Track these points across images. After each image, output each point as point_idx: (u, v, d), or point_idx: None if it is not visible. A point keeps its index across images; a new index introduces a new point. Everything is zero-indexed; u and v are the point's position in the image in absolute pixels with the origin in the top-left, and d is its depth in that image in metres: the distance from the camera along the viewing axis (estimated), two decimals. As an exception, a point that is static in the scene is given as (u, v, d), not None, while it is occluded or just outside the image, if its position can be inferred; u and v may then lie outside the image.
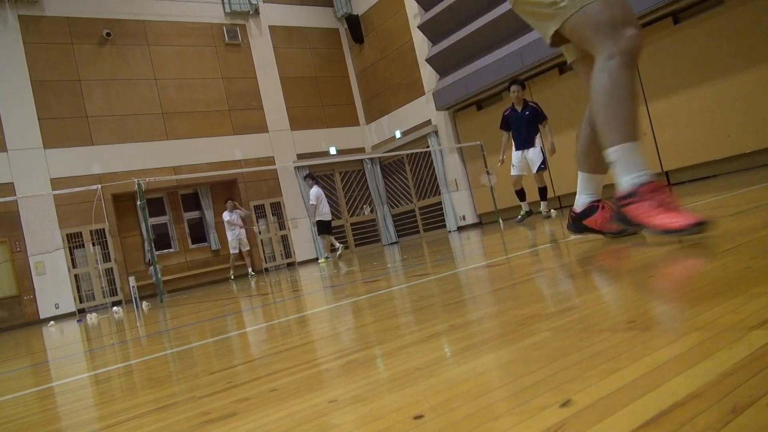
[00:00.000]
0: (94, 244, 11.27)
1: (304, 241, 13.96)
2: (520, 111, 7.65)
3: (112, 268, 11.59)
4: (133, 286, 7.23)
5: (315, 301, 3.22)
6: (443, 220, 13.91)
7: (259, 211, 13.68)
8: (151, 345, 2.69)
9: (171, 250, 13.19)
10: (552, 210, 8.17)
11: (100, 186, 8.43)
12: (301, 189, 13.91)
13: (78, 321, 7.60)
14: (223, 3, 14.03)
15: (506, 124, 7.81)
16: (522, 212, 8.14)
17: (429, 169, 14.15)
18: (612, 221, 2.00)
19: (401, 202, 15.33)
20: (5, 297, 10.64)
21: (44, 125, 11.37)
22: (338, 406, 0.88)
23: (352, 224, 15.15)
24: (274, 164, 13.60)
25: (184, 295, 8.76)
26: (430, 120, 13.67)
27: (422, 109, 13.82)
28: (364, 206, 15.44)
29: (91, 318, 7.12)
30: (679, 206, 1.88)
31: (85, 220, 11.00)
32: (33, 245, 10.81)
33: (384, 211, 15.44)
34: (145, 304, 6.95)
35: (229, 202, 11.56)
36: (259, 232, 13.52)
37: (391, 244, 14.97)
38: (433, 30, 12.89)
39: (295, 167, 14.03)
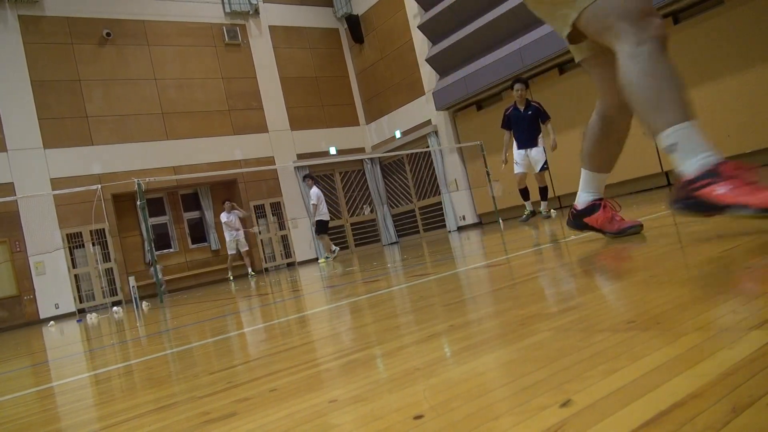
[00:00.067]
0: (94, 244, 11.27)
1: (304, 241, 13.96)
2: (522, 110, 7.59)
3: (112, 268, 11.59)
4: (133, 286, 7.23)
5: (315, 301, 3.22)
6: (443, 220, 13.91)
7: (259, 211, 13.68)
8: (151, 345, 2.69)
9: (171, 250, 13.19)
10: (552, 210, 8.15)
11: (100, 186, 8.43)
12: (301, 189, 13.90)
13: (78, 321, 7.60)
14: (223, 3, 14.03)
15: (508, 123, 7.75)
16: (526, 212, 8.06)
17: (429, 169, 14.15)
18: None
19: (401, 202, 15.32)
20: (5, 297, 10.64)
21: (44, 125, 11.37)
22: (338, 406, 0.88)
23: (352, 224, 15.15)
24: (274, 164, 13.60)
25: (184, 295, 8.76)
26: (430, 120, 13.67)
27: (422, 109, 13.82)
28: (364, 206, 15.44)
29: (91, 318, 7.12)
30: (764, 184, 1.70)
31: (85, 220, 10.99)
32: (33, 245, 10.81)
33: (384, 211, 15.44)
34: (145, 304, 6.95)
35: (226, 203, 11.52)
36: (259, 232, 13.52)
37: (391, 244, 14.97)
38: (433, 30, 12.89)
39: (295, 167, 14.03)
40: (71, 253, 11.31)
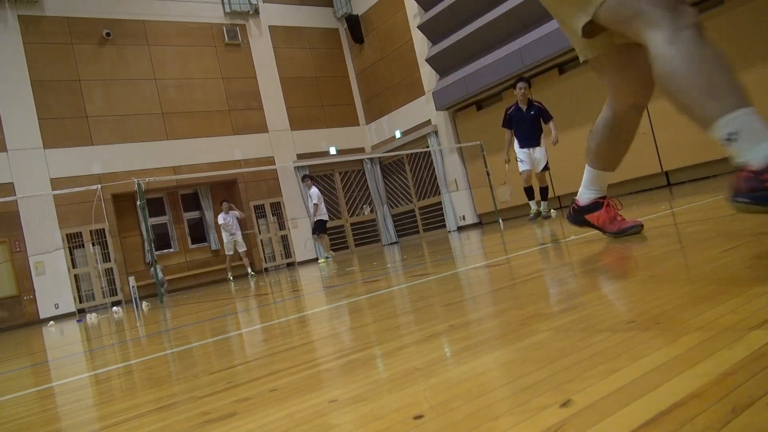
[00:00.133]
0: (94, 244, 11.27)
1: (304, 241, 13.96)
2: (525, 110, 7.51)
3: (112, 268, 11.59)
4: (133, 286, 7.23)
5: (315, 301, 3.22)
6: (443, 220, 13.91)
7: (259, 211, 13.68)
8: (151, 345, 2.69)
9: (171, 250, 13.19)
10: (552, 210, 8.14)
11: (100, 186, 8.43)
12: (300, 189, 13.90)
13: (78, 321, 7.60)
14: (223, 3, 14.03)
15: (509, 122, 7.65)
16: (533, 210, 7.93)
17: (429, 169, 14.15)
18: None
19: (401, 202, 15.33)
20: (5, 297, 10.64)
21: (44, 125, 11.37)
22: (338, 406, 0.88)
23: (352, 224, 15.15)
24: (274, 164, 13.60)
25: (183, 295, 8.76)
26: (430, 120, 13.67)
27: (422, 109, 13.82)
28: (364, 206, 15.44)
29: (91, 318, 7.12)
30: None
31: (85, 220, 10.99)
32: (33, 245, 10.81)
33: (384, 211, 15.44)
34: (144, 304, 6.95)
35: (224, 203, 11.49)
36: (259, 232, 13.52)
37: (391, 244, 14.97)
38: (433, 30, 12.89)
39: (295, 167, 14.03)
40: (71, 253, 11.31)
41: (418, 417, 0.73)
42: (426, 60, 13.06)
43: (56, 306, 10.87)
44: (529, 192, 7.84)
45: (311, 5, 15.55)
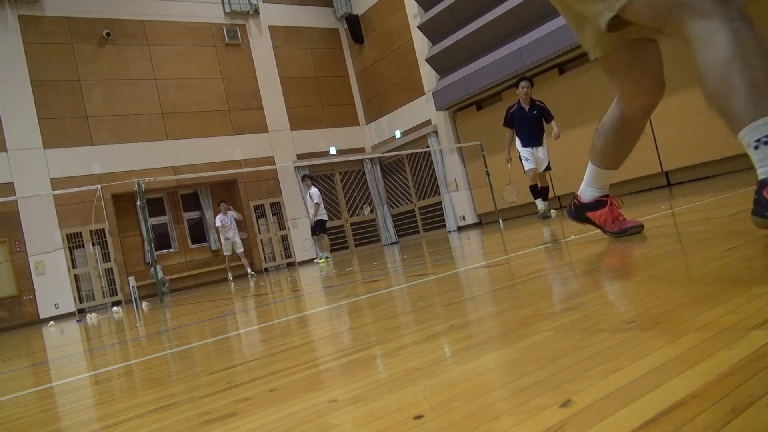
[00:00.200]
0: (94, 244, 11.27)
1: (303, 241, 13.96)
2: (527, 109, 7.45)
3: (111, 268, 11.59)
4: (133, 286, 7.22)
5: (315, 301, 3.22)
6: (443, 220, 13.91)
7: (259, 211, 13.69)
8: (151, 345, 2.69)
9: (171, 250, 13.19)
10: (552, 210, 8.13)
11: (99, 186, 8.42)
12: (300, 189, 13.90)
13: (78, 321, 7.60)
14: (223, 3, 14.03)
15: (510, 121, 7.59)
16: (541, 208, 7.82)
17: (429, 169, 14.15)
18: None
19: (401, 202, 15.32)
20: (5, 297, 10.64)
21: (44, 125, 11.37)
22: (338, 406, 0.88)
23: (351, 224, 15.15)
24: (274, 164, 13.60)
25: (183, 295, 8.75)
26: (430, 120, 13.67)
27: (422, 109, 13.82)
28: (364, 206, 15.44)
29: (91, 318, 7.12)
30: None
31: (85, 220, 10.99)
32: (33, 245, 10.81)
33: (384, 211, 15.44)
34: (144, 304, 6.95)
35: (222, 204, 11.50)
36: (259, 232, 13.53)
37: (391, 244, 14.97)
38: (433, 30, 12.89)
39: (294, 167, 14.03)
40: (71, 253, 11.31)
41: (418, 417, 0.73)
42: (426, 60, 13.06)
43: (56, 306, 10.87)
44: (534, 190, 7.72)
45: (311, 5, 15.55)
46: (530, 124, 7.46)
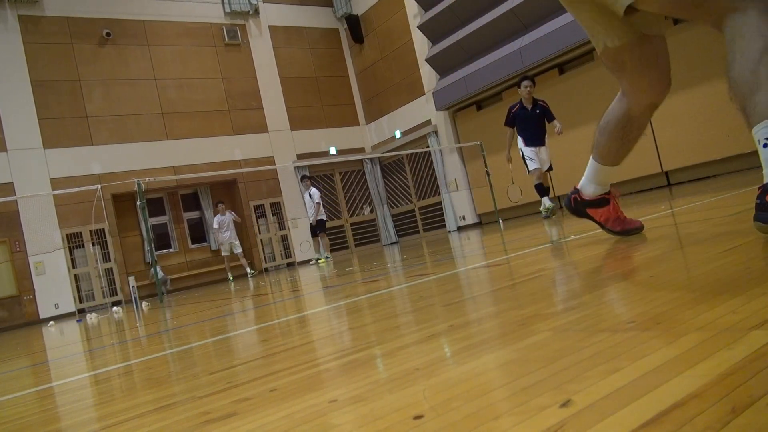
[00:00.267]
0: (94, 244, 11.27)
1: (304, 241, 13.97)
2: (530, 109, 7.40)
3: (111, 268, 11.59)
4: (133, 286, 7.22)
5: (315, 301, 3.22)
6: (443, 220, 13.91)
7: (259, 211, 13.69)
8: (150, 345, 2.69)
9: (171, 250, 13.19)
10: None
11: (99, 186, 8.42)
12: (300, 189, 13.91)
13: (78, 321, 7.60)
14: (223, 3, 14.03)
15: (512, 120, 7.52)
16: (549, 206, 7.58)
17: (429, 169, 14.15)
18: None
19: (401, 202, 15.32)
20: (5, 297, 10.63)
21: (44, 125, 11.37)
22: (338, 406, 0.88)
23: (351, 224, 15.15)
24: (274, 164, 13.60)
25: (183, 295, 8.76)
26: (430, 120, 13.67)
27: (422, 109, 13.82)
28: (364, 206, 15.44)
29: (91, 318, 7.12)
30: None
31: (85, 220, 10.99)
32: (33, 245, 10.81)
33: (384, 211, 15.44)
34: (144, 304, 6.94)
35: (220, 204, 11.52)
36: (259, 232, 13.53)
37: (391, 244, 14.97)
38: (433, 30, 12.89)
39: (294, 167, 14.03)
40: (71, 253, 11.31)
41: (418, 417, 0.73)
42: (426, 60, 13.06)
43: (56, 306, 10.87)
44: (540, 188, 7.60)
45: (311, 5, 15.55)
46: (533, 124, 7.41)
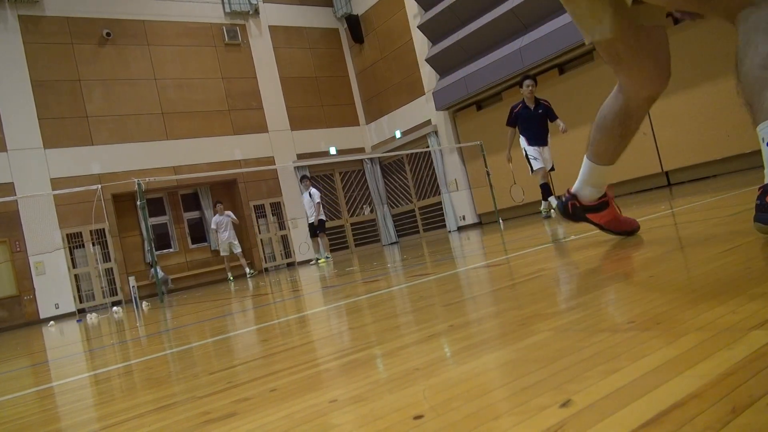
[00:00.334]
0: (94, 244, 11.27)
1: (304, 241, 13.97)
2: (532, 108, 7.35)
3: (112, 268, 11.59)
4: (133, 286, 7.22)
5: (315, 301, 3.22)
6: (443, 220, 13.91)
7: (259, 211, 13.69)
8: (151, 345, 2.69)
9: (171, 250, 13.19)
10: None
11: (100, 186, 8.43)
12: (300, 190, 13.91)
13: (78, 321, 7.60)
14: (223, 3, 14.03)
15: (514, 120, 7.47)
16: (554, 205, 7.70)
17: (429, 169, 14.15)
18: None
19: (401, 202, 15.32)
20: (5, 297, 10.63)
21: (44, 125, 11.37)
22: (338, 406, 0.88)
23: (351, 224, 15.15)
24: (274, 164, 13.60)
25: (183, 295, 8.76)
26: (430, 120, 13.67)
27: (422, 109, 13.82)
28: (364, 206, 15.44)
29: (91, 318, 7.12)
30: None
31: (85, 220, 10.99)
32: (33, 245, 10.81)
33: (384, 211, 15.44)
34: (144, 304, 6.94)
35: (218, 204, 11.52)
36: (259, 232, 13.53)
37: (391, 244, 14.97)
38: (433, 30, 12.89)
39: (294, 167, 14.03)
40: (71, 253, 11.30)
41: (418, 417, 0.73)
42: (426, 60, 13.06)
43: (56, 306, 10.87)
44: (546, 188, 7.56)
45: (311, 5, 15.55)
46: (536, 123, 7.36)
